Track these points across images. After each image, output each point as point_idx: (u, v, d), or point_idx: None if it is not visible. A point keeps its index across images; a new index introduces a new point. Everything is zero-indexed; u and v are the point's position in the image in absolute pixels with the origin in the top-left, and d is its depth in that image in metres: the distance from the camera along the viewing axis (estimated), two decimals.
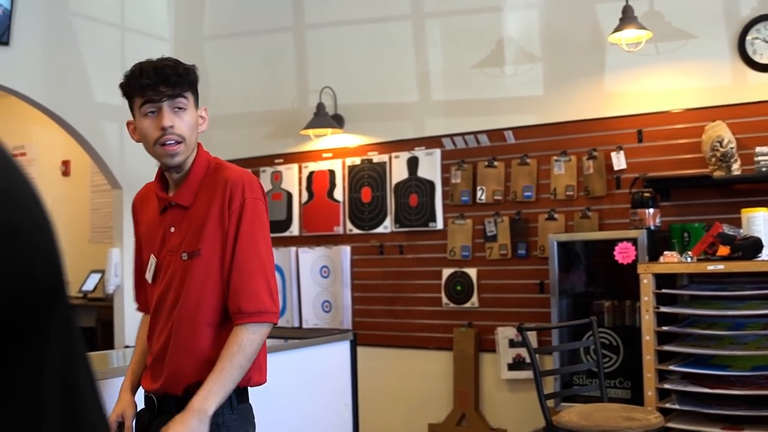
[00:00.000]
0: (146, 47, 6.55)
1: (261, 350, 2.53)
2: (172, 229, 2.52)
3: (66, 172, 8.02)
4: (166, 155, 2.45)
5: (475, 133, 5.49)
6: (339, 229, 6.06)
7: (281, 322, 6.20)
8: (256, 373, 2.53)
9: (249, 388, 2.57)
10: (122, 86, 2.50)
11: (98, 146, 6.15)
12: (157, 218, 2.58)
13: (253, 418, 2.61)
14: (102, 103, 6.21)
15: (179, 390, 2.46)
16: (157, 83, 2.40)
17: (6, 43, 5.45)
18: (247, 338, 2.40)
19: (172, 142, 2.43)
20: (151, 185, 2.67)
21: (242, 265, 2.46)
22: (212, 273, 2.46)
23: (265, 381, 2.61)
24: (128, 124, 2.56)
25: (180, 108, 2.44)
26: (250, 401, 2.60)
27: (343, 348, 4.87)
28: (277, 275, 6.05)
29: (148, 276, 2.58)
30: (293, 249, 6.22)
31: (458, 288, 5.50)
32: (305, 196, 6.23)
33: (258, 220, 2.50)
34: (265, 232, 2.53)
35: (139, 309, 2.80)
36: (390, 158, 5.86)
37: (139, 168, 5.82)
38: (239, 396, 2.51)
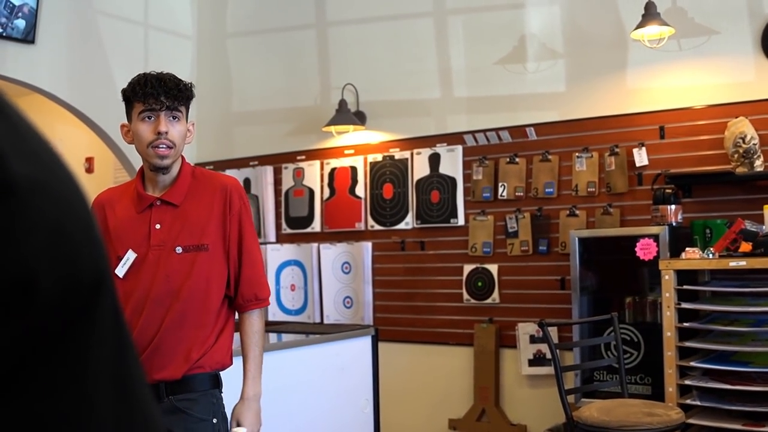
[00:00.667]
0: (169, 45, 6.61)
1: (230, 333, 2.95)
2: (158, 226, 2.80)
3: (89, 169, 8.10)
4: (156, 157, 2.74)
5: (496, 130, 5.49)
6: (360, 225, 6.08)
7: (303, 318, 6.24)
8: (225, 356, 2.89)
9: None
10: (125, 91, 2.85)
11: (122, 142, 6.19)
12: (135, 216, 2.83)
13: None
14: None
15: (179, 374, 2.74)
16: (159, 93, 2.73)
17: (32, 41, 5.51)
18: (262, 322, 2.90)
19: (164, 146, 2.73)
20: (117, 189, 3.03)
21: (253, 259, 2.87)
22: (217, 265, 2.80)
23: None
24: (122, 126, 2.90)
25: (175, 118, 2.77)
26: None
27: (364, 343, 4.89)
28: (299, 270, 6.11)
29: (121, 270, 2.78)
30: (315, 245, 6.25)
31: (479, 284, 5.51)
32: (327, 192, 6.25)
33: (251, 219, 2.93)
34: (253, 228, 2.95)
35: None
36: (412, 155, 5.87)
37: None
38: (220, 379, 2.89)
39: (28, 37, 5.49)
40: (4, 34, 5.35)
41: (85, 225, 0.60)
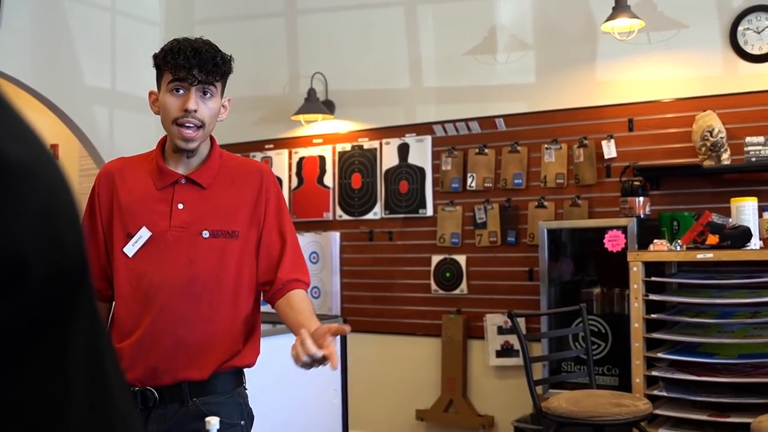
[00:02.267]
0: (137, 31, 6.53)
1: (259, 332, 2.61)
2: (180, 206, 2.50)
3: (54, 156, 8.01)
4: (180, 138, 2.43)
5: (466, 120, 5.49)
6: (329, 215, 6.06)
7: (269, 308, 6.20)
8: (254, 356, 2.57)
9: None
10: (156, 57, 2.48)
11: (88, 130, 6.12)
12: (153, 192, 2.52)
13: None
14: (92, 87, 6.19)
15: (206, 374, 2.43)
16: (192, 66, 2.39)
17: None
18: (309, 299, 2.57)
19: (192, 126, 2.43)
20: (132, 159, 2.66)
21: (293, 243, 2.58)
22: (249, 252, 2.51)
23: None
24: (150, 93, 2.54)
25: (207, 94, 2.44)
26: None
27: None
28: None
29: (131, 249, 2.48)
30: None
31: (447, 275, 5.51)
32: (295, 181, 6.22)
33: (287, 208, 2.68)
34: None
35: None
36: (380, 144, 5.86)
37: (128, 152, 5.79)
38: (244, 374, 2.59)
39: None
40: None
41: (72, 210, 0.60)
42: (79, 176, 7.85)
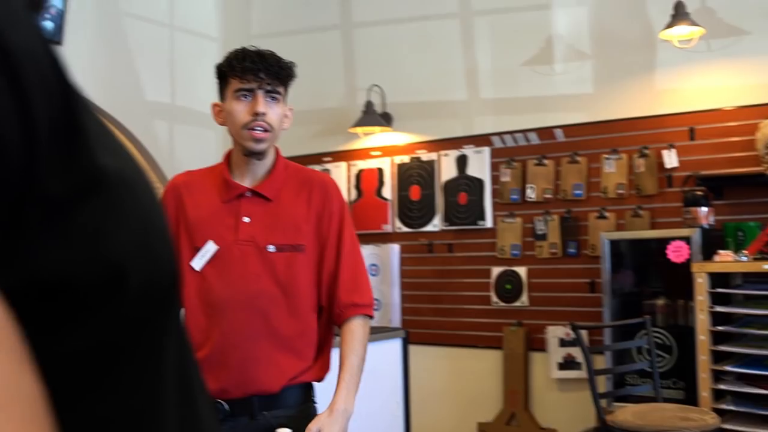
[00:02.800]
0: (195, 46, 6.62)
1: (330, 347, 2.60)
2: (246, 219, 2.50)
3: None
4: (252, 140, 2.45)
5: (524, 131, 5.47)
6: (388, 227, 6.07)
7: None
8: (323, 371, 2.57)
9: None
10: (221, 66, 2.52)
11: (148, 144, 6.21)
12: (219, 205, 2.54)
13: None
14: (152, 101, 6.29)
15: (276, 388, 2.43)
16: (258, 69, 2.43)
17: (58, 42, 5.54)
18: (364, 330, 2.52)
19: (261, 129, 2.44)
20: (197, 173, 2.66)
21: (352, 262, 2.55)
22: (312, 267, 2.50)
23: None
24: (214, 105, 2.58)
25: (274, 99, 2.47)
26: None
27: (395, 346, 4.90)
28: None
29: (198, 263, 2.49)
30: None
31: (508, 287, 5.49)
32: (354, 194, 6.25)
33: (352, 223, 2.62)
34: (353, 231, 2.64)
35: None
36: (439, 156, 5.86)
37: (188, 165, 5.88)
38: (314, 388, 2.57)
39: (55, 38, 5.51)
40: None
41: (164, 223, 0.61)
42: None
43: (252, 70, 2.42)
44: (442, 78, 5.84)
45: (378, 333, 4.95)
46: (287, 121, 2.59)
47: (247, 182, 2.54)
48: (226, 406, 2.41)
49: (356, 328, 2.50)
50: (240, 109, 2.45)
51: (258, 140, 2.45)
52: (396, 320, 5.95)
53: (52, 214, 0.47)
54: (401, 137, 6.06)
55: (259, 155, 2.50)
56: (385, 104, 6.07)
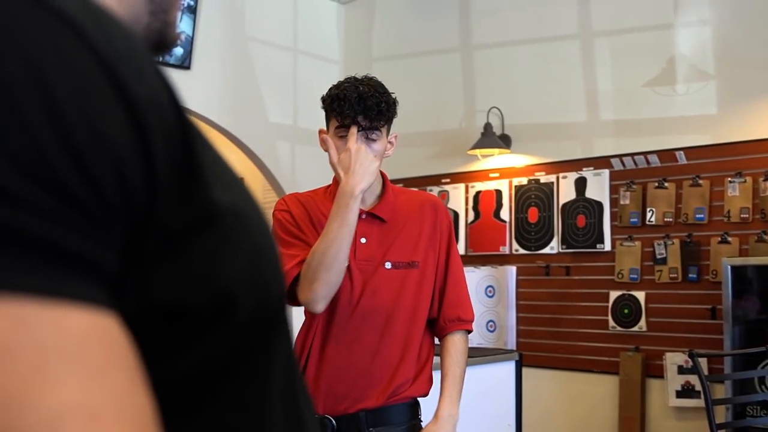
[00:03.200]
0: (317, 69, 6.78)
1: (431, 362, 2.67)
2: (363, 240, 2.58)
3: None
4: None
5: (645, 154, 5.36)
6: (505, 249, 6.04)
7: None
8: (427, 385, 2.64)
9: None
10: (324, 100, 2.62)
11: (271, 165, 6.40)
12: None
13: None
14: (275, 124, 6.47)
15: (380, 401, 2.50)
16: (357, 113, 2.48)
17: (188, 67, 5.78)
18: (466, 344, 2.64)
19: None
20: (307, 195, 2.74)
21: (457, 279, 2.66)
22: (427, 283, 2.60)
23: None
24: (320, 131, 2.67)
25: (371, 138, 2.53)
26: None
27: (509, 368, 4.87)
28: None
29: None
30: None
31: (626, 311, 5.38)
32: (471, 215, 6.25)
33: (456, 241, 2.73)
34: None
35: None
36: (557, 178, 5.80)
37: (309, 185, 6.01)
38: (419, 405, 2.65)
39: (184, 63, 5.76)
40: (162, 61, 5.63)
41: (274, 253, 0.66)
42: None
43: (350, 116, 2.48)
44: (562, 99, 5.79)
45: (492, 355, 4.94)
46: (391, 149, 2.65)
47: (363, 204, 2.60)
48: (334, 422, 2.49)
49: (459, 341, 2.60)
50: (339, 146, 2.51)
51: None
52: (511, 342, 5.90)
53: (171, 246, 0.51)
54: (520, 159, 6.03)
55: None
56: (503, 126, 6.06)
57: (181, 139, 0.52)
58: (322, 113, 6.77)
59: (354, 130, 2.49)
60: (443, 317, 2.61)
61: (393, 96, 2.63)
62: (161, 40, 0.75)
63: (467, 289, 2.71)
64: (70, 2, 0.48)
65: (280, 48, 6.53)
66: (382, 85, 2.63)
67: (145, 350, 0.49)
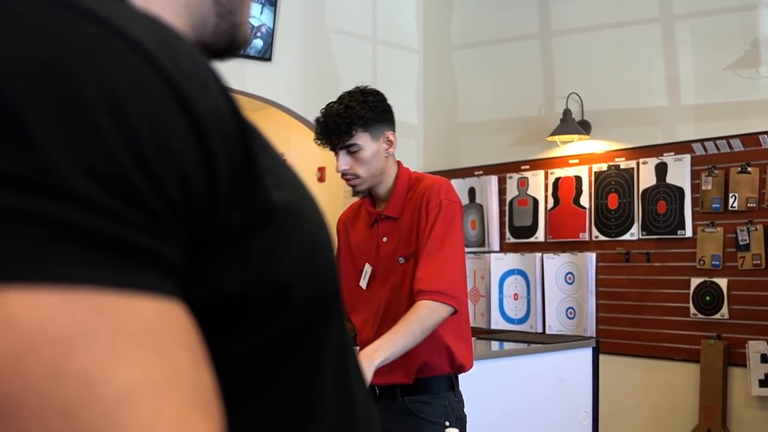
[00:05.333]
0: (397, 58, 6.82)
1: (467, 338, 2.93)
2: (384, 239, 2.91)
3: (321, 178, 8.47)
4: (350, 187, 2.90)
5: (727, 138, 5.26)
6: (584, 236, 6.00)
7: (525, 327, 6.24)
8: (468, 361, 2.91)
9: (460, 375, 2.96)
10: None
11: None
12: (367, 231, 2.98)
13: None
14: None
15: (410, 379, 2.82)
16: (327, 137, 2.83)
17: (269, 59, 5.89)
18: (425, 312, 2.65)
19: (350, 178, 2.84)
20: (354, 206, 3.14)
21: (429, 251, 2.75)
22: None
23: (471, 367, 2.97)
24: None
25: (352, 151, 2.81)
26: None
27: (585, 355, 4.86)
28: (522, 280, 6.12)
29: (363, 282, 2.92)
30: (538, 255, 6.24)
31: (707, 298, 5.30)
32: (551, 202, 6.23)
33: (451, 218, 2.80)
34: (455, 228, 2.81)
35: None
36: (638, 164, 5.73)
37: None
38: (456, 381, 2.92)
39: (265, 55, 5.87)
40: (244, 53, 5.75)
41: (328, 245, 0.72)
42: (344, 196, 8.27)
43: (325, 141, 2.86)
44: (642, 84, 5.71)
45: (568, 342, 4.93)
46: (389, 147, 2.90)
47: (380, 207, 2.96)
48: (377, 390, 2.84)
49: (417, 306, 2.67)
50: (336, 163, 2.87)
51: (353, 188, 2.88)
52: (591, 329, 5.86)
53: (232, 242, 0.58)
54: (599, 145, 5.98)
55: (362, 194, 2.94)
56: (583, 112, 6.02)
57: (241, 146, 0.58)
58: (403, 102, 6.98)
59: (340, 153, 2.82)
60: (414, 290, 2.73)
61: (372, 99, 2.88)
62: (231, 41, 0.79)
63: (442, 263, 2.75)
64: (137, 25, 0.54)
65: (360, 38, 6.59)
66: (360, 93, 2.90)
67: (210, 335, 0.55)
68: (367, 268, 2.93)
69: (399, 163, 2.99)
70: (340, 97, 2.92)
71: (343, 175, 2.84)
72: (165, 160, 0.50)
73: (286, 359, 0.65)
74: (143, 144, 0.49)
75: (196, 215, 0.53)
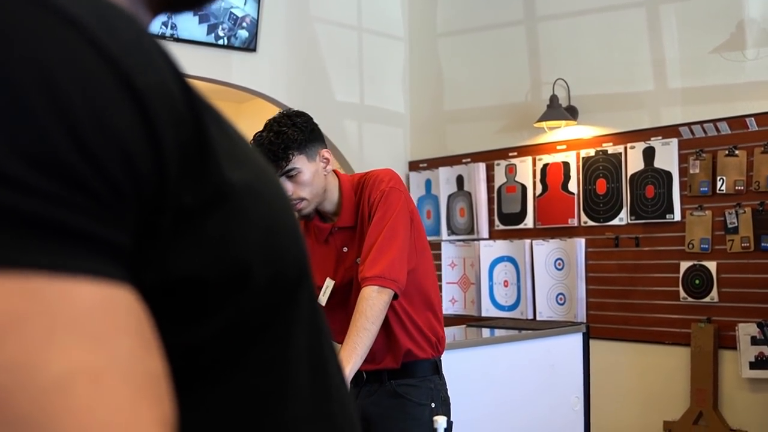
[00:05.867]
0: (382, 47, 6.81)
1: (439, 324, 3.01)
2: (345, 249, 2.94)
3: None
4: (299, 214, 2.86)
5: (714, 121, 5.26)
6: (573, 222, 6.00)
7: (516, 314, 6.25)
8: (428, 348, 2.98)
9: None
10: None
11: (339, 143, 6.45)
12: (322, 247, 2.97)
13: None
14: (342, 102, 6.52)
15: (397, 364, 2.92)
16: None
17: (253, 49, 5.85)
18: (368, 303, 2.70)
19: (296, 202, 2.83)
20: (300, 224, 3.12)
21: (370, 239, 2.81)
22: None
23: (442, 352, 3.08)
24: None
25: (291, 176, 2.81)
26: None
27: (575, 340, 4.87)
28: (512, 266, 6.11)
29: (323, 299, 2.90)
30: (527, 241, 6.23)
31: (696, 282, 5.30)
32: (539, 188, 6.22)
33: (391, 203, 2.84)
34: (395, 212, 2.84)
35: None
36: (625, 149, 5.73)
37: (376, 162, 6.07)
38: (440, 364, 3.02)
39: (250, 45, 5.84)
40: (228, 44, 5.72)
41: (291, 225, 0.70)
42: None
43: None
44: (628, 69, 5.71)
45: (557, 327, 4.94)
46: (327, 165, 2.91)
47: (333, 219, 2.98)
48: (364, 375, 2.91)
49: (360, 301, 2.70)
50: None
51: (299, 211, 2.86)
52: (581, 315, 5.86)
53: (185, 223, 0.55)
54: (587, 130, 5.97)
55: (310, 215, 2.94)
56: (570, 98, 6.01)
57: (192, 123, 0.56)
58: (388, 91, 7.04)
59: (282, 179, 2.78)
60: (360, 278, 2.78)
61: (300, 120, 2.86)
62: None
63: (382, 248, 2.78)
64: (74, 2, 0.51)
65: (345, 27, 6.56)
66: (287, 117, 2.88)
67: (168, 319, 0.54)
68: (328, 283, 2.92)
69: (336, 173, 3.01)
70: (267, 125, 2.86)
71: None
72: (104, 138, 0.48)
73: (253, 342, 0.63)
74: (79, 122, 0.48)
75: (144, 195, 0.51)
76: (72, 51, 0.49)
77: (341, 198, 2.94)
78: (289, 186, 2.80)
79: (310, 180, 2.83)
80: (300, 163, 2.82)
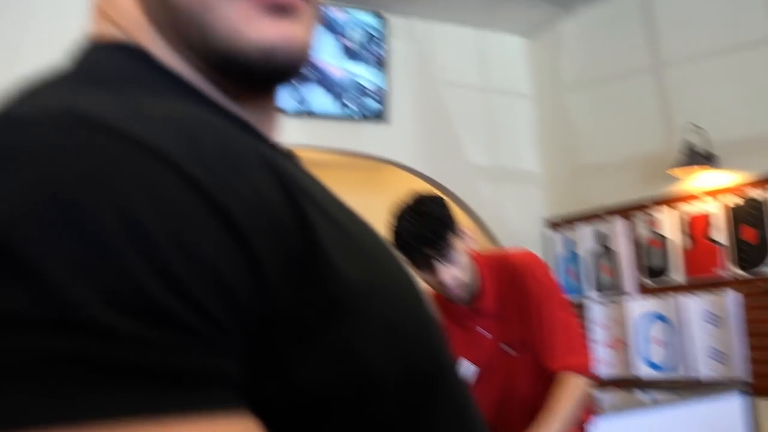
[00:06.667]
0: (510, 105, 6.78)
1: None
2: (488, 334, 2.76)
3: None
4: (447, 296, 2.65)
5: None
6: (723, 273, 5.70)
7: (670, 373, 5.96)
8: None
9: None
10: None
11: (474, 206, 6.40)
12: (460, 329, 2.78)
13: None
14: (474, 164, 6.48)
15: None
16: (416, 252, 2.55)
17: (385, 120, 5.98)
18: (574, 392, 2.58)
19: (454, 287, 2.60)
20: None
21: (556, 326, 2.69)
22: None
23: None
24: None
25: (448, 256, 2.57)
26: None
27: (736, 400, 4.61)
28: (662, 323, 5.85)
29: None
30: (676, 296, 5.96)
31: None
32: (683, 240, 5.96)
33: (552, 287, 2.76)
34: (559, 295, 2.76)
35: None
36: None
37: (515, 225, 6.02)
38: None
39: (382, 117, 5.96)
40: (362, 116, 5.88)
41: (421, 320, 0.66)
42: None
43: (415, 252, 2.55)
44: (766, 108, 5.44)
45: (717, 386, 4.69)
46: (469, 240, 2.67)
47: (469, 300, 2.73)
48: None
49: (565, 386, 2.55)
50: (429, 281, 2.63)
51: (455, 298, 2.66)
52: (741, 372, 5.52)
53: (301, 337, 0.53)
54: (727, 176, 5.69)
55: (461, 299, 2.70)
56: (706, 143, 5.76)
57: (298, 230, 0.54)
58: (520, 149, 6.95)
59: (436, 264, 2.57)
60: (550, 369, 2.61)
61: (438, 198, 2.68)
62: (225, 54, 0.64)
63: (571, 334, 2.67)
64: (157, 127, 0.50)
65: (473, 88, 6.58)
66: (426, 197, 2.68)
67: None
68: (464, 365, 2.75)
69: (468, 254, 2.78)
70: (408, 209, 2.62)
71: (445, 288, 2.61)
72: (194, 269, 0.47)
73: None
74: (165, 256, 0.46)
75: (248, 319, 0.50)
76: (156, 185, 0.47)
77: (481, 277, 2.72)
78: (448, 271, 2.58)
79: (461, 258, 2.62)
80: (454, 241, 2.63)
